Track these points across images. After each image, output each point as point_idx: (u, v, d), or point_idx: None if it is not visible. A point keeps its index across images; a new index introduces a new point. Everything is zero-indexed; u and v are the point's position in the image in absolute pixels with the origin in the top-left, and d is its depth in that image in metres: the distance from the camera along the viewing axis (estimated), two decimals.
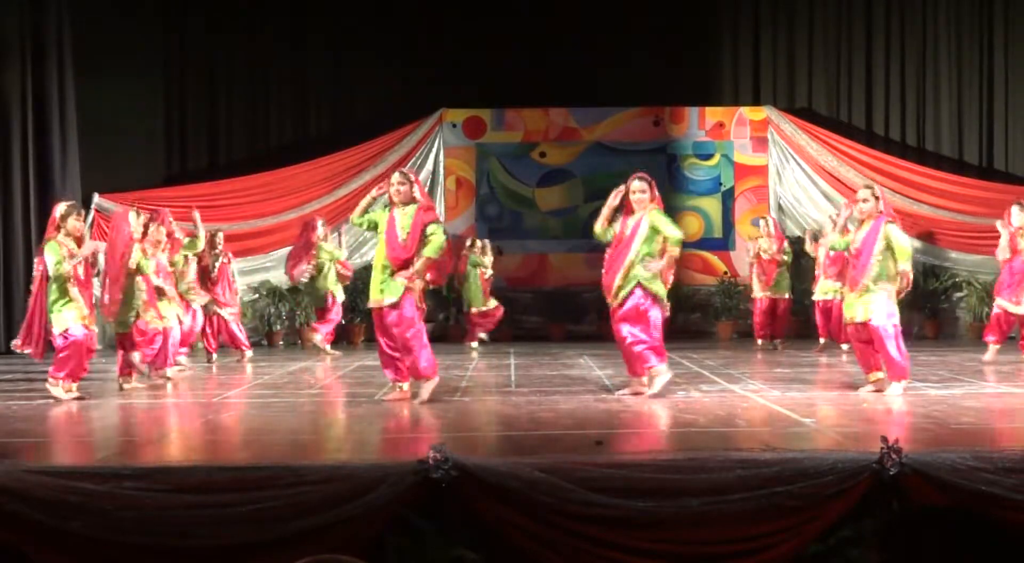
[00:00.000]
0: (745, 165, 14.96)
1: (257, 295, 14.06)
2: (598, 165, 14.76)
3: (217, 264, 11.00)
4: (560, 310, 14.56)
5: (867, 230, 7.23)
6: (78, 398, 7.37)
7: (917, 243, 13.33)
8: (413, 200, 7.03)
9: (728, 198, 14.96)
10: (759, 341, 12.31)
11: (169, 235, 9.12)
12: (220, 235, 11.24)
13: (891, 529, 4.36)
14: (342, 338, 13.16)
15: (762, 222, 12.64)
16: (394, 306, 6.89)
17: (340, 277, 11.87)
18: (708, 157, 14.98)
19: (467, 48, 14.41)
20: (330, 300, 11.77)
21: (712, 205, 14.97)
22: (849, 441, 5.22)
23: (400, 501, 4.21)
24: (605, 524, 4.20)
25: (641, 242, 7.12)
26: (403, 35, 14.81)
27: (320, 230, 11.75)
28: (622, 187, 7.27)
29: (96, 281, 8.07)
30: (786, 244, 12.48)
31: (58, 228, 7.41)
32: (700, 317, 14.67)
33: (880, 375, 7.30)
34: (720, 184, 14.97)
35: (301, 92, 15.02)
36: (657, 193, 7.30)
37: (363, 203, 7.21)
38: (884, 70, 14.98)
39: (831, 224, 10.76)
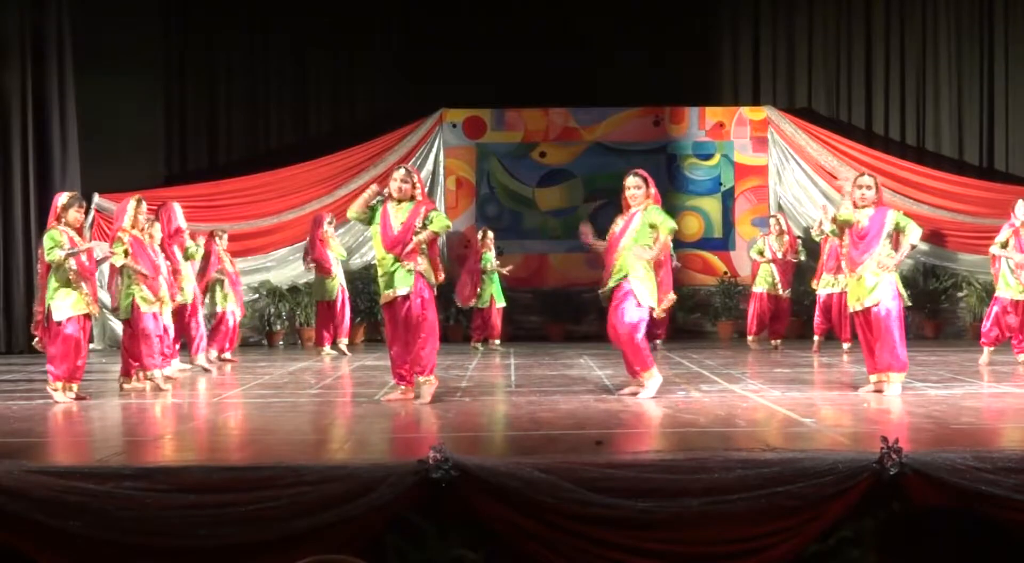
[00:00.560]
0: (745, 165, 14.95)
1: (257, 295, 14.05)
2: (598, 165, 14.75)
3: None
4: (560, 310, 14.54)
5: (872, 213, 7.22)
6: (79, 398, 7.37)
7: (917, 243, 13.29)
8: (412, 198, 7.03)
9: (728, 198, 14.95)
10: (750, 337, 12.17)
11: (177, 230, 9.25)
12: (224, 236, 11.26)
13: (891, 529, 4.37)
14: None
15: (772, 221, 12.60)
16: (407, 297, 6.86)
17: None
18: (708, 157, 14.97)
19: (467, 48, 14.38)
20: (340, 298, 11.73)
21: (712, 205, 14.96)
22: (849, 441, 5.22)
23: (400, 501, 4.21)
24: (605, 524, 4.20)
25: (632, 237, 7.10)
26: (403, 35, 14.83)
27: (326, 227, 11.75)
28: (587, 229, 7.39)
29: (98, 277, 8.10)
30: (799, 243, 12.48)
31: (59, 218, 7.44)
32: (700, 317, 14.67)
33: (881, 376, 7.27)
34: (720, 184, 14.96)
35: (301, 92, 15.01)
36: (655, 190, 7.28)
37: (364, 196, 7.12)
38: (884, 70, 14.97)
39: (828, 211, 10.47)
